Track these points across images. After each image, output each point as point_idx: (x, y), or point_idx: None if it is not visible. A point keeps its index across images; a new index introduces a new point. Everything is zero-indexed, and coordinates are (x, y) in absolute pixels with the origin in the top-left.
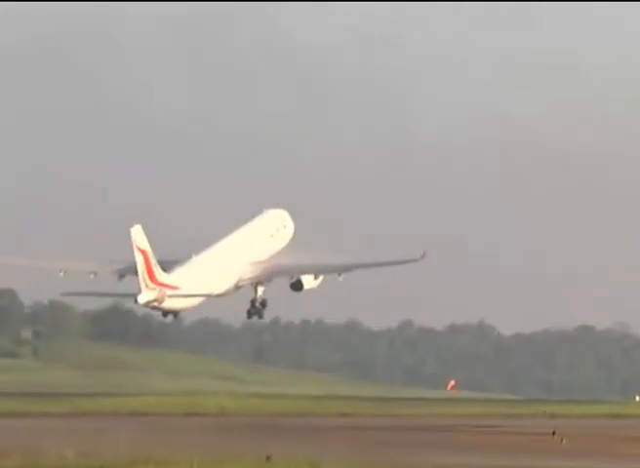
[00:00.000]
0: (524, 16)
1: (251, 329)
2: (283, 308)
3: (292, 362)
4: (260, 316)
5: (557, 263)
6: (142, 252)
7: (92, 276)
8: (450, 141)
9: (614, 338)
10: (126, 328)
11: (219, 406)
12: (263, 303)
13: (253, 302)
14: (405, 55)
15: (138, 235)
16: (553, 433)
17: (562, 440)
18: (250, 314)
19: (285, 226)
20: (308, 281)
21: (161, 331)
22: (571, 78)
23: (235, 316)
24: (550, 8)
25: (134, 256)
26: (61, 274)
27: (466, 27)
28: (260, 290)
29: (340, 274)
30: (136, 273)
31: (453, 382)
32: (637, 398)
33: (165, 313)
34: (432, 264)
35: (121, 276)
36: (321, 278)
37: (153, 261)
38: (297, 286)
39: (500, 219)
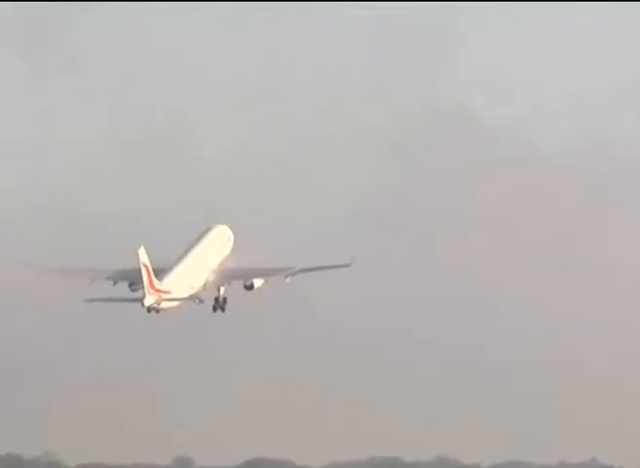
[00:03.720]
0: None
1: None
2: None
3: None
4: (223, 310)
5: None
6: (145, 267)
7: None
8: None
9: None
10: None
11: None
12: (225, 300)
13: (216, 299)
14: None
15: (142, 254)
16: None
17: None
18: (215, 309)
19: (229, 239)
20: (258, 282)
21: None
22: None
23: None
24: None
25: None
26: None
27: None
28: (222, 289)
29: (286, 276)
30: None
31: None
32: None
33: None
34: None
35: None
36: (266, 280)
37: (152, 273)
38: (249, 287)
39: None
